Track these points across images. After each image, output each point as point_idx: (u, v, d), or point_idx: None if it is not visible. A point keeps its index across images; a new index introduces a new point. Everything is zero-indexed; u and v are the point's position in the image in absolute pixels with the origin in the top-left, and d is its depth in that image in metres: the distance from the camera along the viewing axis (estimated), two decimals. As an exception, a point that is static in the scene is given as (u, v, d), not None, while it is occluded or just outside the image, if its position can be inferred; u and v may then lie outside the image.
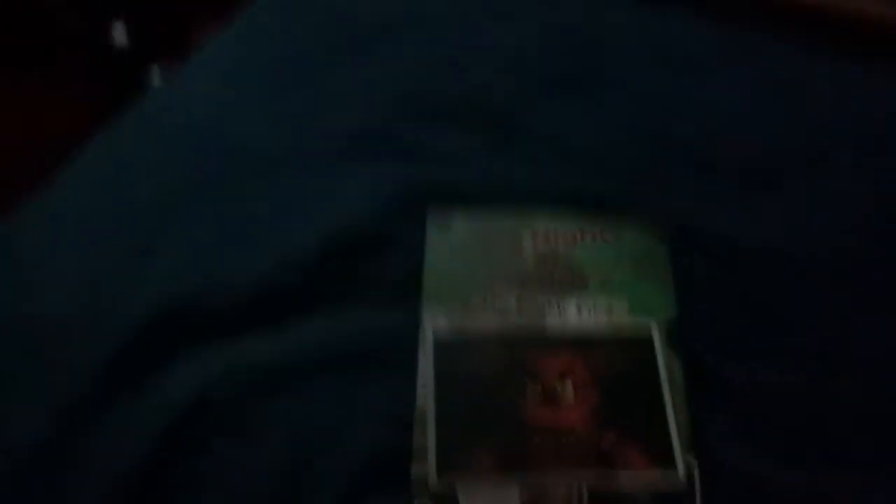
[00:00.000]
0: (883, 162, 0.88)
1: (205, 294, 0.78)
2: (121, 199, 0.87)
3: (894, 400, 0.71)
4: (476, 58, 0.99)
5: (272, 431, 0.70)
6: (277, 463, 0.68)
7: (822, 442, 0.69)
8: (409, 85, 0.95)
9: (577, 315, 0.75)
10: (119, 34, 1.47)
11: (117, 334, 0.75)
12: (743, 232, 0.82)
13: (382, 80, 0.97)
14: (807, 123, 0.92)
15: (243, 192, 0.86)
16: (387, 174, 0.87)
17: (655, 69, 0.98)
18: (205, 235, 0.83)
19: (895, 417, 0.70)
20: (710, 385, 0.72)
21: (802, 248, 0.81)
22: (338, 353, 0.74)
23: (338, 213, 0.84)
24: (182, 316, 0.76)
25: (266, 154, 0.90)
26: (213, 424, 0.70)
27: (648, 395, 0.70)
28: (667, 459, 0.66)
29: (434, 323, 0.75)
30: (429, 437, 0.68)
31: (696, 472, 0.66)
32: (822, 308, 0.77)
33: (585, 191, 0.85)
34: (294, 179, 0.87)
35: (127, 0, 1.49)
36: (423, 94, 0.95)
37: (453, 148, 0.89)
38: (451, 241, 0.81)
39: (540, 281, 0.77)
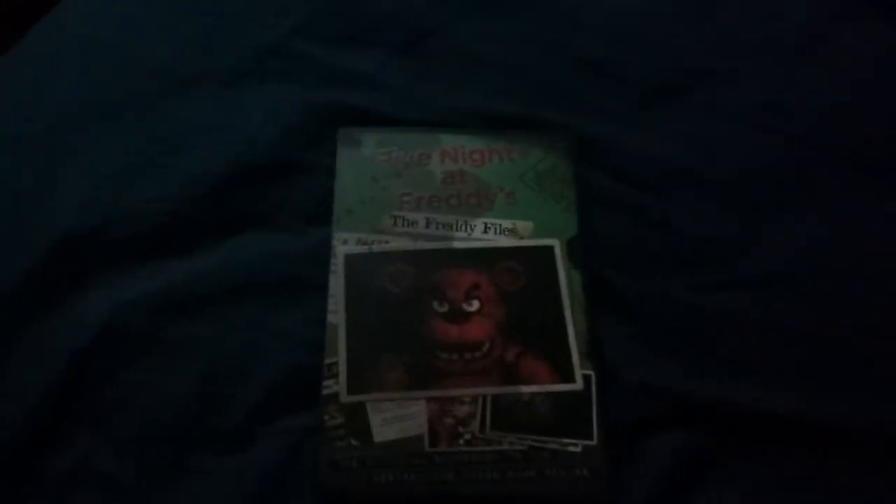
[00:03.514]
0: (779, 74, 0.90)
1: (112, 221, 0.77)
2: (21, 125, 0.84)
3: (792, 310, 0.74)
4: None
5: (184, 357, 0.71)
6: (189, 388, 0.70)
7: (719, 352, 0.73)
8: (320, 2, 0.93)
9: (483, 234, 0.77)
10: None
11: (25, 261, 0.74)
12: (643, 148, 0.84)
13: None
14: (709, 37, 0.93)
15: (149, 113, 0.85)
16: (296, 94, 0.86)
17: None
18: (111, 160, 0.81)
19: (792, 328, 0.74)
20: (610, 298, 0.75)
21: (700, 163, 0.83)
22: (249, 277, 0.75)
23: (246, 136, 0.83)
24: (90, 243, 0.76)
25: (172, 73, 0.87)
26: (124, 351, 0.71)
27: (550, 309, 0.73)
28: (566, 372, 0.70)
29: (344, 243, 0.76)
30: (339, 354, 0.70)
31: (594, 384, 0.70)
32: (720, 221, 0.80)
33: (496, 110, 0.86)
34: (200, 100, 0.86)
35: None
36: (333, 12, 0.93)
37: (363, 68, 0.88)
38: (361, 159, 0.81)
39: (448, 200, 0.79)
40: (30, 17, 0.96)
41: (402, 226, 0.77)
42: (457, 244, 0.76)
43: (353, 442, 0.67)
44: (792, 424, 0.69)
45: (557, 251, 0.76)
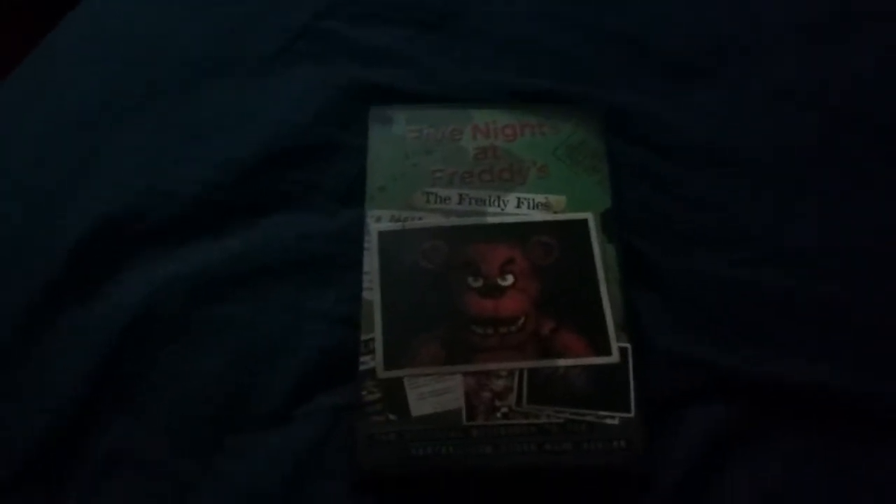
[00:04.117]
0: (811, 50, 0.89)
1: (147, 205, 0.78)
2: (58, 114, 0.85)
3: (822, 284, 0.74)
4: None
5: (219, 338, 0.72)
6: (226, 367, 0.71)
7: (752, 326, 0.72)
8: None
9: (516, 209, 0.77)
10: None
11: (62, 247, 0.75)
12: (675, 123, 0.83)
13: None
14: (742, 13, 0.92)
15: (181, 100, 0.85)
16: (326, 76, 0.86)
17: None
18: (144, 146, 0.82)
19: (822, 303, 0.73)
20: (644, 271, 0.75)
21: (733, 138, 0.83)
22: (283, 258, 0.76)
23: (277, 119, 0.83)
24: (125, 227, 0.77)
25: (202, 59, 0.88)
26: (160, 333, 0.72)
27: (585, 282, 0.73)
28: (602, 345, 0.70)
29: (377, 220, 0.76)
30: (375, 331, 0.71)
31: (630, 356, 0.69)
32: (751, 196, 0.79)
33: (526, 85, 0.86)
34: (231, 85, 0.86)
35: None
36: None
37: (392, 47, 0.89)
38: (392, 136, 0.81)
39: (480, 175, 0.79)
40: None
41: (435, 202, 0.77)
42: (490, 219, 0.76)
43: (391, 416, 0.67)
44: (824, 397, 0.69)
45: (591, 224, 0.76)
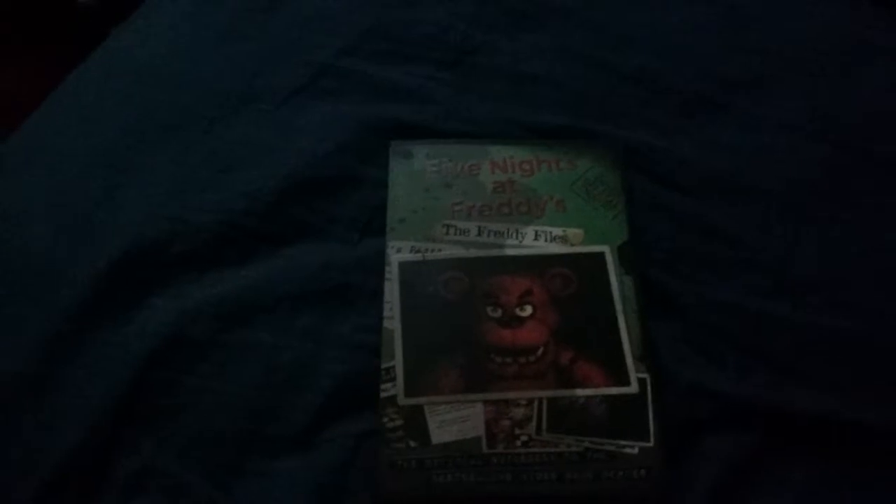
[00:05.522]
0: (820, 83, 0.91)
1: (174, 234, 0.79)
2: (87, 143, 0.87)
3: (838, 314, 0.75)
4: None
5: (243, 364, 0.73)
6: (250, 393, 0.72)
7: (767, 355, 0.74)
8: (367, 22, 0.96)
9: (534, 241, 0.78)
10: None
11: (90, 274, 0.76)
12: (689, 156, 0.85)
13: (341, 17, 0.97)
14: (751, 49, 0.94)
15: (206, 131, 0.87)
16: (347, 111, 0.88)
17: (609, 0, 1.00)
18: (171, 176, 0.84)
19: (837, 334, 0.74)
20: (661, 302, 0.76)
21: (745, 171, 0.84)
22: (306, 286, 0.77)
23: (300, 152, 0.85)
24: (153, 255, 0.78)
25: (227, 93, 0.90)
26: (187, 358, 0.73)
27: (603, 314, 0.74)
28: (621, 375, 0.71)
29: (398, 251, 0.78)
30: (396, 359, 0.72)
31: (649, 387, 0.70)
32: (766, 227, 0.81)
33: (542, 122, 0.88)
34: (255, 118, 0.88)
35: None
36: (381, 31, 0.96)
37: (412, 84, 0.91)
38: (413, 170, 0.83)
39: (499, 209, 0.80)
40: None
41: (454, 234, 0.79)
42: (508, 251, 0.78)
43: (412, 444, 0.68)
44: (840, 426, 0.70)
45: (608, 257, 0.77)
